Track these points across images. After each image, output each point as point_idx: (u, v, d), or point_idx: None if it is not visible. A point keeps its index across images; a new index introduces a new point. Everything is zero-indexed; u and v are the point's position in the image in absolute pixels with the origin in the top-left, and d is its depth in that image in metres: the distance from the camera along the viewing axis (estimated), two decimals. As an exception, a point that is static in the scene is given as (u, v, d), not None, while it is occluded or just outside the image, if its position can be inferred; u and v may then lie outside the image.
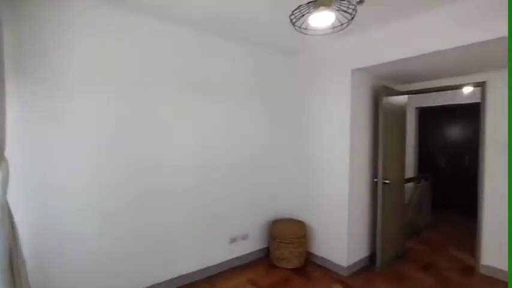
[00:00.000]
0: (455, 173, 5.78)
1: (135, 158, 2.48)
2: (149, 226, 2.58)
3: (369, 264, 3.32)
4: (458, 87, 3.43)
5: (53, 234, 2.10)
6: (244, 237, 3.32)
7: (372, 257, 3.37)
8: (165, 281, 2.69)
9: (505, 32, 1.98)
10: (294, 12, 1.88)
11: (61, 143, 2.12)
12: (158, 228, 2.63)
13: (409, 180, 4.47)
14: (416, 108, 5.90)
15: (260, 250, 3.50)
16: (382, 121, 3.19)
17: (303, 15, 1.90)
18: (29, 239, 1.98)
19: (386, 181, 3.20)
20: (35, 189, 2.03)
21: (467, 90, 4.56)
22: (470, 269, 3.27)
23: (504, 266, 2.99)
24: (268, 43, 3.23)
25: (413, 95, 4.44)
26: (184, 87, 2.77)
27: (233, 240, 3.20)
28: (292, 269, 3.19)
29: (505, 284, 2.92)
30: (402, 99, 3.68)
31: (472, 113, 5.23)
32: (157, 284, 2.64)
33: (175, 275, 2.75)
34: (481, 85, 3.21)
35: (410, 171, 5.83)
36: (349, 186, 3.03)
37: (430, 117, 6.07)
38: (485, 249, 3.13)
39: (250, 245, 3.40)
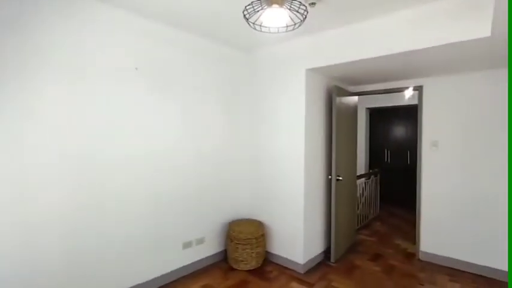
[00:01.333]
0: (399, 169, 6.38)
1: (75, 163, 2.32)
2: (92, 238, 2.43)
3: (324, 259, 3.56)
4: (401, 89, 3.83)
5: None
6: (200, 241, 3.32)
7: (326, 252, 3.62)
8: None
9: (438, 42, 2.27)
10: (247, 7, 1.94)
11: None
12: (103, 238, 2.49)
13: (360, 176, 4.84)
14: (367, 108, 6.43)
15: (217, 254, 3.53)
16: (335, 120, 3.42)
17: (256, 12, 1.97)
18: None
19: (340, 178, 3.45)
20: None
21: (409, 93, 5.07)
22: (411, 255, 3.70)
23: (438, 251, 3.44)
24: (225, 39, 3.26)
25: (364, 96, 4.82)
26: (134, 84, 2.66)
27: (187, 245, 3.18)
28: (250, 271, 3.28)
29: (440, 266, 3.36)
30: (353, 99, 4.00)
31: (413, 114, 5.82)
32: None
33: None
34: (418, 89, 3.63)
35: (361, 167, 6.30)
36: (304, 184, 3.20)
37: (379, 117, 6.65)
38: (423, 238, 3.57)
39: (207, 249, 3.41)
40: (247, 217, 3.83)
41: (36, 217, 2.12)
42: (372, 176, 5.47)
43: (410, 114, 5.79)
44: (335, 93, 3.44)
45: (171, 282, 3.00)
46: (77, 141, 2.31)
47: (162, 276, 2.95)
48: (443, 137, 3.43)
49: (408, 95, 5.13)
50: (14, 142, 2.00)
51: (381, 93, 4.08)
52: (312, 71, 3.26)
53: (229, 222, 3.56)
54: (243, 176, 3.80)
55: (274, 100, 3.49)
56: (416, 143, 3.64)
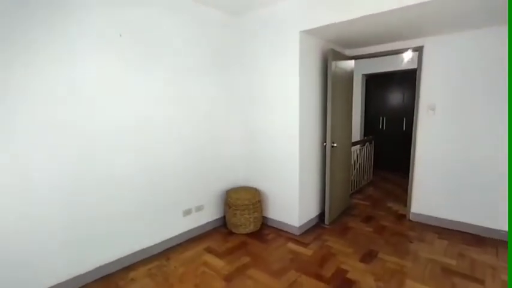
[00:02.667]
0: (394, 135, 6.58)
1: (67, 139, 2.39)
2: (98, 210, 2.61)
3: (319, 222, 3.83)
4: (400, 51, 3.87)
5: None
6: (199, 209, 3.54)
7: (321, 215, 3.88)
8: (119, 259, 2.81)
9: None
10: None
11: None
12: (101, 210, 2.65)
13: (355, 143, 5.04)
14: (363, 74, 6.50)
15: (217, 220, 3.79)
16: (331, 86, 3.50)
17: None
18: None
19: (334, 144, 3.63)
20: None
21: (408, 56, 5.15)
22: (402, 217, 3.99)
23: (428, 212, 3.72)
24: (213, 1, 3.23)
25: (360, 61, 4.87)
26: (120, 51, 2.65)
27: (187, 212, 3.40)
28: (248, 234, 3.54)
29: (429, 226, 3.64)
30: (350, 64, 4.06)
31: (410, 80, 5.92)
32: (112, 262, 2.76)
33: (127, 253, 2.87)
34: (418, 50, 3.67)
35: (356, 134, 6.50)
36: (299, 151, 3.37)
37: (375, 84, 6.74)
38: (415, 200, 3.83)
39: (206, 216, 3.65)
40: (243, 185, 4.04)
41: (33, 189, 2.25)
42: (367, 143, 5.69)
43: (407, 79, 5.91)
44: (331, 56, 3.48)
45: (174, 246, 3.25)
46: (75, 114, 2.41)
47: (165, 241, 3.19)
48: (441, 101, 3.51)
49: (407, 57, 5.23)
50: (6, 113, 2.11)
51: (379, 56, 4.14)
52: (306, 33, 3.27)
53: (227, 190, 3.77)
54: (238, 145, 3.95)
55: (267, 66, 3.53)
56: (413, 110, 3.75)
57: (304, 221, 3.60)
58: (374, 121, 6.87)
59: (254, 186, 3.92)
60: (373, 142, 5.90)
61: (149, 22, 2.86)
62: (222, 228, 3.75)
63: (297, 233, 3.50)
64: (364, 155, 5.56)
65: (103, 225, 2.68)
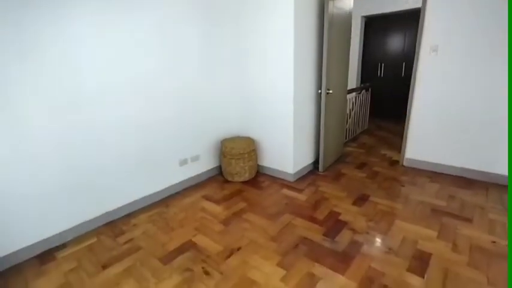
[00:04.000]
0: (392, 82, 6.50)
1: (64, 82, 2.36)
2: (88, 158, 2.63)
3: (313, 169, 3.93)
4: None
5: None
6: (195, 159, 3.60)
7: (316, 163, 3.97)
8: (118, 208, 2.91)
9: None
10: None
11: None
12: (102, 159, 2.71)
13: (351, 90, 4.99)
14: (363, 16, 6.23)
15: (213, 169, 3.87)
16: (327, 29, 3.35)
17: None
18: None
19: (329, 91, 3.59)
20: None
21: None
22: (395, 162, 4.09)
23: (422, 157, 3.79)
24: None
25: (359, 1, 4.60)
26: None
27: (183, 162, 3.46)
28: (244, 182, 3.65)
29: (422, 170, 3.76)
30: (348, 3, 3.84)
31: (412, 22, 5.71)
32: (112, 211, 2.87)
33: (128, 201, 2.98)
34: None
35: (353, 81, 6.43)
36: (293, 98, 3.33)
37: (374, 28, 6.47)
38: (409, 145, 3.88)
39: (202, 165, 3.72)
40: (238, 134, 4.07)
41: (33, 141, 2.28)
42: (363, 91, 5.64)
43: (409, 21, 5.70)
44: None
45: (173, 195, 3.36)
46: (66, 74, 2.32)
47: (164, 189, 3.29)
48: (444, 42, 3.37)
49: None
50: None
51: None
52: None
53: (222, 140, 3.80)
54: (232, 94, 3.90)
55: (259, 9, 3.36)
56: (413, 54, 3.60)
57: (299, 168, 3.69)
58: (372, 67, 6.74)
59: (249, 135, 3.95)
60: (370, 89, 5.85)
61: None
62: (218, 177, 3.85)
63: (292, 179, 3.60)
64: (360, 102, 5.55)
65: (106, 175, 2.76)
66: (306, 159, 3.84)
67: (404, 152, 3.94)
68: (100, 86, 2.58)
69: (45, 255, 2.39)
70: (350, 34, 4.11)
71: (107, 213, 2.83)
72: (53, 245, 2.49)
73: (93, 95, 2.55)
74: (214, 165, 3.90)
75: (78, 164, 2.56)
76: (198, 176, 3.68)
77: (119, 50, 2.67)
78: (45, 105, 2.28)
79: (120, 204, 2.93)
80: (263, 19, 3.37)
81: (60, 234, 2.52)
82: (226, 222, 2.79)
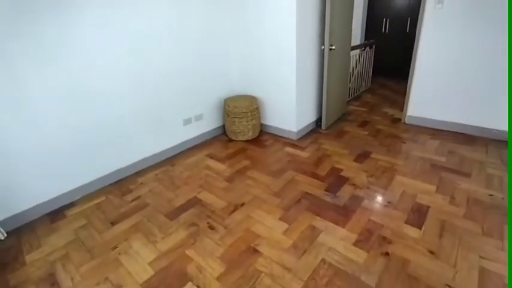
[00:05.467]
0: (397, 39, 6.25)
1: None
2: (99, 119, 2.64)
3: (316, 127, 3.92)
4: None
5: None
6: (199, 118, 3.57)
7: (318, 121, 3.94)
8: (126, 166, 2.96)
9: None
10: None
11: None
12: (108, 120, 2.71)
13: (354, 47, 4.83)
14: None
15: (216, 128, 3.86)
16: None
17: None
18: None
19: (333, 47, 3.45)
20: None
21: None
22: (397, 120, 4.04)
23: (424, 114, 3.75)
24: None
25: None
26: None
27: (187, 121, 3.44)
28: (247, 141, 3.65)
29: (424, 128, 3.73)
30: None
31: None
32: (119, 169, 2.91)
33: (135, 161, 3.02)
34: None
35: (357, 38, 6.20)
36: (296, 56, 3.22)
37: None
38: (411, 103, 3.81)
39: (206, 124, 3.71)
40: (241, 93, 4.00)
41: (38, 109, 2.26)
42: (367, 48, 5.46)
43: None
44: None
45: (177, 154, 3.39)
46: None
47: (169, 149, 3.31)
48: None
49: None
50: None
51: None
52: None
53: (225, 99, 3.75)
54: (232, 53, 3.77)
55: None
56: (419, 8, 3.41)
57: (302, 126, 3.66)
58: (376, 23, 6.43)
59: (252, 94, 3.88)
60: (373, 46, 5.65)
61: None
62: (222, 136, 3.85)
63: (295, 138, 3.59)
64: (364, 60, 5.39)
65: (112, 134, 2.77)
66: (309, 117, 3.81)
67: (406, 110, 3.88)
68: (100, 45, 2.50)
69: (56, 214, 2.46)
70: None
71: (114, 172, 2.87)
72: (63, 204, 2.56)
73: (94, 55, 2.48)
74: (218, 125, 3.88)
75: (84, 123, 2.55)
76: (202, 135, 3.68)
77: (118, 9, 2.55)
78: (51, 64, 2.24)
79: (127, 163, 2.96)
80: None
81: (69, 193, 2.58)
82: (230, 179, 2.83)
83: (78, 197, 2.64)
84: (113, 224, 2.30)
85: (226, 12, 3.55)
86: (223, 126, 3.87)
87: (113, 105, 2.73)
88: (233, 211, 2.36)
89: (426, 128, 3.73)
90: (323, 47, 3.48)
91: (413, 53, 3.60)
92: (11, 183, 2.23)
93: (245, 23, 3.57)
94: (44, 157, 2.37)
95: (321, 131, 3.83)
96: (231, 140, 3.70)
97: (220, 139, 3.76)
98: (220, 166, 3.09)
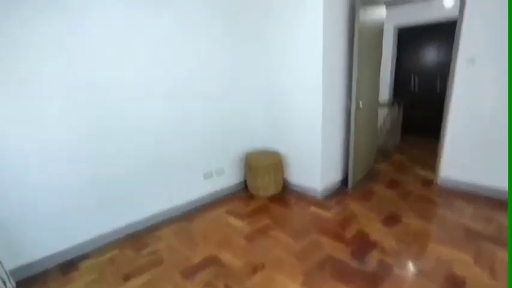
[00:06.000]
0: (426, 97, 6.36)
1: (86, 92, 2.50)
2: (115, 169, 2.77)
3: (341, 186, 3.91)
4: None
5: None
6: (220, 172, 3.69)
7: (344, 179, 3.95)
8: (142, 219, 3.04)
9: None
10: None
11: None
12: (124, 170, 2.84)
13: (382, 104, 4.95)
14: (395, 28, 6.18)
15: (237, 184, 3.95)
16: (358, 38, 3.34)
17: None
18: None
19: (360, 105, 3.59)
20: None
21: (448, 3, 4.89)
22: (429, 182, 3.97)
23: (458, 177, 3.67)
24: None
25: (392, 11, 4.52)
26: (129, 4, 2.65)
27: (208, 175, 3.57)
28: (269, 197, 3.69)
29: (459, 191, 3.63)
30: (380, 13, 3.85)
31: (448, 33, 5.60)
32: (136, 222, 3.00)
33: (148, 215, 3.09)
34: None
35: (384, 95, 6.36)
36: (322, 112, 3.35)
37: (408, 39, 6.35)
38: (444, 163, 3.77)
39: (227, 179, 3.81)
40: (263, 148, 4.13)
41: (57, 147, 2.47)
42: (395, 106, 5.57)
43: (446, 32, 5.60)
44: (359, 2, 3.27)
45: (195, 208, 3.46)
46: (96, 80, 2.53)
47: (187, 203, 3.40)
48: (483, 53, 3.25)
49: (448, 3, 4.93)
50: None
51: (415, 1, 3.84)
52: None
53: (247, 153, 3.88)
54: (256, 106, 3.97)
55: (288, 17, 3.40)
56: (449, 66, 3.48)
57: (327, 184, 3.68)
58: (405, 80, 6.61)
59: (275, 149, 4.00)
60: (402, 104, 5.76)
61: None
62: (242, 191, 3.91)
63: (319, 196, 3.60)
64: (392, 118, 5.48)
65: (129, 185, 2.89)
66: (335, 175, 3.84)
67: (438, 171, 3.84)
68: (116, 93, 2.70)
69: (68, 265, 2.53)
70: (382, 44, 4.09)
71: (130, 225, 2.97)
72: (76, 255, 2.64)
73: (117, 102, 2.70)
74: (239, 179, 3.98)
75: (102, 175, 2.70)
76: (223, 189, 3.77)
77: (138, 53, 2.77)
78: (76, 112, 2.47)
79: (144, 216, 3.06)
80: (291, 25, 3.40)
81: (82, 244, 2.68)
82: (250, 238, 2.83)
83: (91, 249, 2.72)
84: (125, 279, 2.33)
85: (251, 67, 3.82)
86: (245, 181, 3.96)
87: (131, 155, 2.88)
88: (252, 273, 2.33)
89: (461, 191, 3.64)
90: (350, 104, 3.61)
91: (445, 111, 3.66)
92: (24, 230, 2.35)
93: (269, 78, 3.82)
94: (59, 206, 2.50)
95: (347, 190, 3.82)
96: (252, 196, 3.74)
97: (241, 194, 3.82)
98: (240, 223, 3.11)
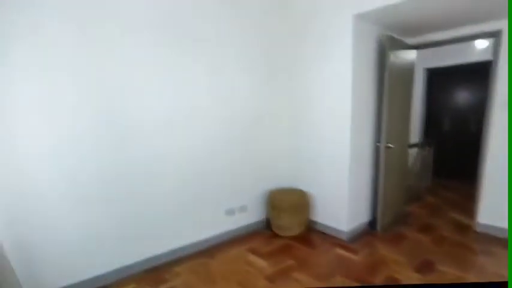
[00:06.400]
0: (459, 138, 6.24)
1: (111, 127, 2.61)
2: (134, 203, 2.83)
3: (369, 229, 3.81)
4: (471, 37, 3.59)
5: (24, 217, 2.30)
6: (242, 209, 3.70)
7: (372, 222, 3.86)
8: (162, 254, 3.05)
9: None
10: None
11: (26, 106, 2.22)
12: (145, 204, 2.89)
13: (413, 145, 4.87)
14: (425, 69, 6.22)
15: (260, 221, 3.93)
16: (388, 79, 3.40)
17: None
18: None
19: (390, 145, 3.57)
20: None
21: (481, 44, 4.91)
22: (466, 227, 3.81)
23: (499, 223, 3.49)
24: None
25: (422, 53, 4.59)
26: (159, 42, 2.80)
27: (230, 212, 3.58)
28: (293, 237, 3.63)
29: (499, 239, 3.44)
30: (410, 56, 3.93)
31: (481, 74, 5.58)
32: (155, 256, 3.01)
33: (168, 249, 3.10)
34: (495, 35, 3.39)
35: (415, 136, 6.28)
36: (350, 150, 3.37)
37: (438, 80, 6.40)
38: (483, 208, 3.62)
39: (249, 217, 3.81)
40: (287, 185, 4.12)
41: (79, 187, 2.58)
42: (426, 146, 5.48)
43: (478, 73, 5.58)
44: (388, 45, 3.36)
45: (216, 245, 3.44)
46: (120, 112, 2.67)
47: (207, 239, 3.40)
48: None
49: (481, 46, 4.95)
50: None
51: (446, 44, 3.87)
52: (361, 18, 3.17)
53: (271, 191, 3.89)
54: (283, 143, 4.02)
55: (317, 56, 3.53)
56: (482, 107, 3.46)
57: (354, 226, 3.60)
58: (436, 121, 6.55)
59: (299, 187, 3.99)
60: (433, 145, 5.66)
61: (186, 12, 2.95)
62: (265, 230, 3.88)
63: (346, 238, 3.51)
64: (423, 159, 5.37)
65: (150, 219, 2.95)
66: (362, 217, 3.76)
67: (476, 216, 3.68)
68: (147, 132, 2.84)
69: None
70: (412, 85, 4.13)
71: (150, 259, 2.98)
72: (94, 287, 2.66)
73: (138, 140, 2.80)
74: (262, 218, 3.96)
75: (123, 209, 2.77)
76: (245, 227, 3.76)
77: (166, 89, 2.91)
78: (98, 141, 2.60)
79: (163, 250, 3.07)
80: (319, 65, 3.53)
81: (101, 276, 2.70)
82: (272, 278, 2.77)
83: (109, 282, 2.74)
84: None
85: (277, 106, 3.91)
86: (267, 219, 3.94)
87: (154, 194, 2.95)
88: (274, 316, 2.25)
89: (501, 238, 3.44)
90: (379, 143, 3.58)
91: (481, 153, 3.60)
92: (45, 257, 2.41)
93: (296, 116, 3.92)
94: (78, 238, 2.55)
95: (375, 232, 3.71)
96: (275, 235, 3.69)
97: (264, 233, 3.78)
98: (262, 263, 3.06)
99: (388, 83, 3.43)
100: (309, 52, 3.63)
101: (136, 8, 2.63)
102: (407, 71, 3.92)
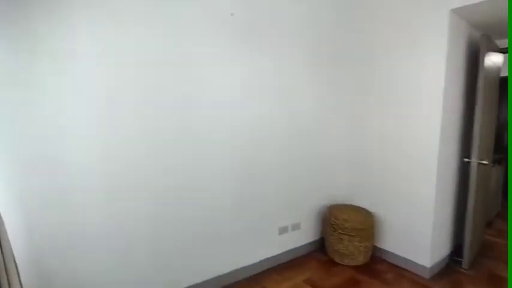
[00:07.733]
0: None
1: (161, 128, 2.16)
2: (179, 219, 2.32)
3: (450, 263, 3.10)
4: None
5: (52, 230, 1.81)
6: (296, 227, 3.09)
7: (452, 254, 3.16)
8: (213, 278, 2.52)
9: None
10: None
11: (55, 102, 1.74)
12: (190, 220, 2.37)
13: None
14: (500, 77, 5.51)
15: (314, 242, 3.31)
16: (483, 85, 2.76)
17: None
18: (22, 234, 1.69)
19: (484, 162, 2.86)
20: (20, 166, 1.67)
21: None
22: None
23: None
24: None
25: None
26: (227, 36, 2.39)
27: (283, 230, 2.97)
28: (356, 267, 2.97)
29: None
30: (499, 59, 3.28)
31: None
32: (207, 280, 2.49)
33: (212, 276, 2.53)
34: None
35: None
36: (437, 167, 2.71)
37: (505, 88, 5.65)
38: None
39: (303, 236, 3.19)
40: (345, 201, 3.48)
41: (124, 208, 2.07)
42: (496, 164, 4.76)
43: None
44: (484, 47, 2.75)
45: (268, 270, 2.86)
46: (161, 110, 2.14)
47: (254, 264, 2.80)
48: None
49: None
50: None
51: None
52: (457, 14, 2.60)
53: (328, 207, 3.25)
54: (342, 153, 3.43)
55: (397, 56, 2.94)
56: None
57: (436, 260, 2.90)
58: (500, 134, 5.79)
59: (363, 205, 3.33)
60: (503, 162, 4.93)
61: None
62: (319, 254, 3.23)
63: (427, 275, 2.81)
64: (493, 178, 4.66)
65: (199, 245, 2.45)
66: (443, 248, 3.05)
67: None
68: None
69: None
70: (497, 94, 3.46)
71: (198, 284, 2.45)
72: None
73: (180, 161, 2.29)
74: (316, 238, 3.33)
75: (167, 230, 2.27)
76: (298, 249, 3.15)
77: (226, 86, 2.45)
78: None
79: (206, 277, 2.50)
80: (400, 65, 2.94)
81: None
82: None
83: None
84: None
85: (344, 103, 3.36)
86: (322, 239, 3.31)
87: (195, 202, 2.40)
88: None
89: None
90: (467, 159, 2.92)
91: None
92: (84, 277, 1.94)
93: (364, 125, 3.30)
94: (110, 260, 2.05)
95: (460, 269, 2.99)
96: (334, 263, 3.05)
97: (320, 258, 3.14)
98: (327, 303, 2.42)
99: (483, 88, 2.77)
100: (392, 48, 2.99)
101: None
102: (494, 77, 3.24)
